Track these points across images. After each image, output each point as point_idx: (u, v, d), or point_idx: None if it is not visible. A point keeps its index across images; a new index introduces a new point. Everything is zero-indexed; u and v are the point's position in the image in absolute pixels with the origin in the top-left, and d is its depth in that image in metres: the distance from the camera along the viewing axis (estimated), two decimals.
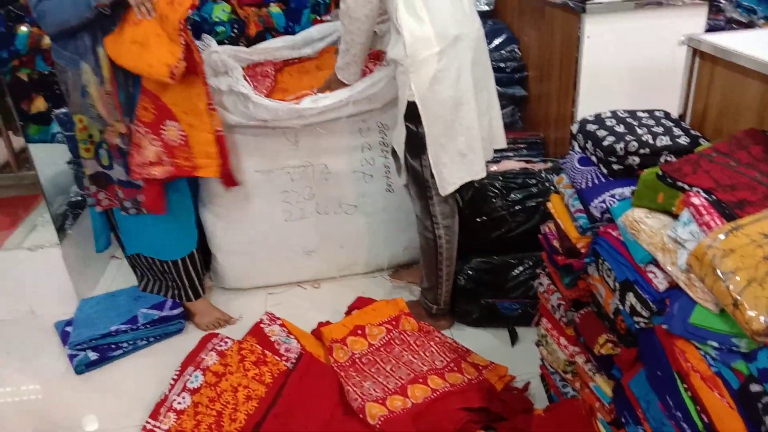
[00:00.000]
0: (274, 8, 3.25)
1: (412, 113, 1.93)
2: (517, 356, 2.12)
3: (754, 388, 0.93)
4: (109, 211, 2.32)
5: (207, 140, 2.09)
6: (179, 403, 1.94)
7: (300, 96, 2.25)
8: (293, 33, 2.82)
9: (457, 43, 1.89)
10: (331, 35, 2.60)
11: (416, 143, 1.98)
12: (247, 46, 3.21)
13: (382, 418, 1.81)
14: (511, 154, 2.85)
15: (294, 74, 2.55)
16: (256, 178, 2.34)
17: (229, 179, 2.26)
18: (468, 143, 1.98)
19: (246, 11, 3.32)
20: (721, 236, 1.06)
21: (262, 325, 2.21)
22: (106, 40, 1.97)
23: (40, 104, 3.03)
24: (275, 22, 3.07)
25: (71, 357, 2.25)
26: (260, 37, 3.20)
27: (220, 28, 3.32)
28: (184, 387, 2.00)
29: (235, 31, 3.23)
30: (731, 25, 2.97)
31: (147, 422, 1.91)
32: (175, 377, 2.05)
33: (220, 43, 3.20)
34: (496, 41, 3.03)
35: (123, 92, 2.04)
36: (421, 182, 2.04)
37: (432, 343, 2.15)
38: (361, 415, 1.83)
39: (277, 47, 2.59)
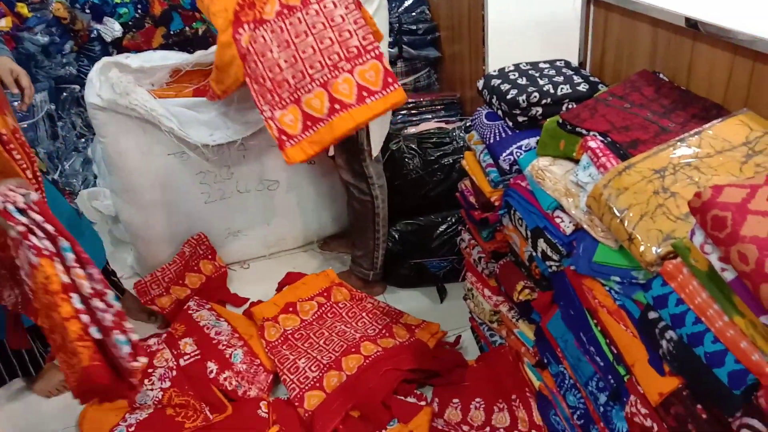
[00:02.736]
0: None
1: None
2: (448, 312, 2.17)
3: (652, 315, 0.98)
4: None
5: None
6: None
7: None
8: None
9: (383, 1, 2.00)
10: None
11: None
12: (155, 26, 3.09)
13: (315, 406, 1.79)
14: (429, 116, 2.87)
15: None
16: (170, 161, 2.25)
17: None
18: None
19: None
20: (615, 175, 1.10)
21: (190, 312, 2.16)
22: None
23: None
24: None
25: None
26: (166, 16, 3.07)
27: (122, 10, 3.16)
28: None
29: (139, 11, 3.09)
30: None
31: None
32: None
33: (124, 25, 3.07)
34: (406, 3, 3.02)
35: None
36: (354, 147, 2.07)
37: (364, 312, 2.16)
38: (296, 403, 1.81)
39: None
